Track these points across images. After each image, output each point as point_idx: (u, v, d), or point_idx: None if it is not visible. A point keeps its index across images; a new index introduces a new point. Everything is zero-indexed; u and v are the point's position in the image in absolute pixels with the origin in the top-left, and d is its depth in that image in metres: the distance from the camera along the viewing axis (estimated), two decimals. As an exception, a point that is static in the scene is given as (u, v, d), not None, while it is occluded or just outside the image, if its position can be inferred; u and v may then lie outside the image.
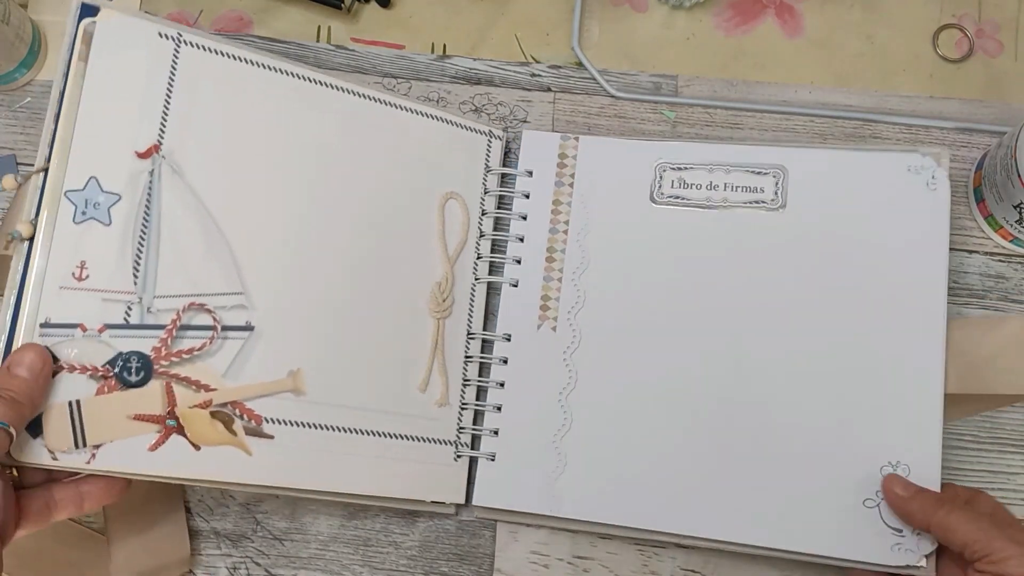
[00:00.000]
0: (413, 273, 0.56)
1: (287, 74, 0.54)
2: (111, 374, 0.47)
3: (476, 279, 0.58)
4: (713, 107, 0.61)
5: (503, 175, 0.60)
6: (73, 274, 0.47)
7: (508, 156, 0.61)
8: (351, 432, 0.53)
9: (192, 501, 0.56)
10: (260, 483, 0.50)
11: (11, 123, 0.60)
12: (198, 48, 0.51)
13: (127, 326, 0.48)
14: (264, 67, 0.53)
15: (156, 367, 0.48)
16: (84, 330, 0.47)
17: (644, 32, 0.61)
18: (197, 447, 0.49)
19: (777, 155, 0.56)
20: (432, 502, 0.55)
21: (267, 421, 0.51)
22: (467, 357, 0.57)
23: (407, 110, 0.58)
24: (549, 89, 0.60)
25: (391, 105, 0.57)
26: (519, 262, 0.58)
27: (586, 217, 0.58)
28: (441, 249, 0.57)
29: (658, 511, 0.52)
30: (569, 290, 0.57)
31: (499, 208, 0.60)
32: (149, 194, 0.49)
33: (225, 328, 0.50)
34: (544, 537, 0.56)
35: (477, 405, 0.57)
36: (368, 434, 0.53)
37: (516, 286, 0.58)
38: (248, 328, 0.51)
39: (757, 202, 0.55)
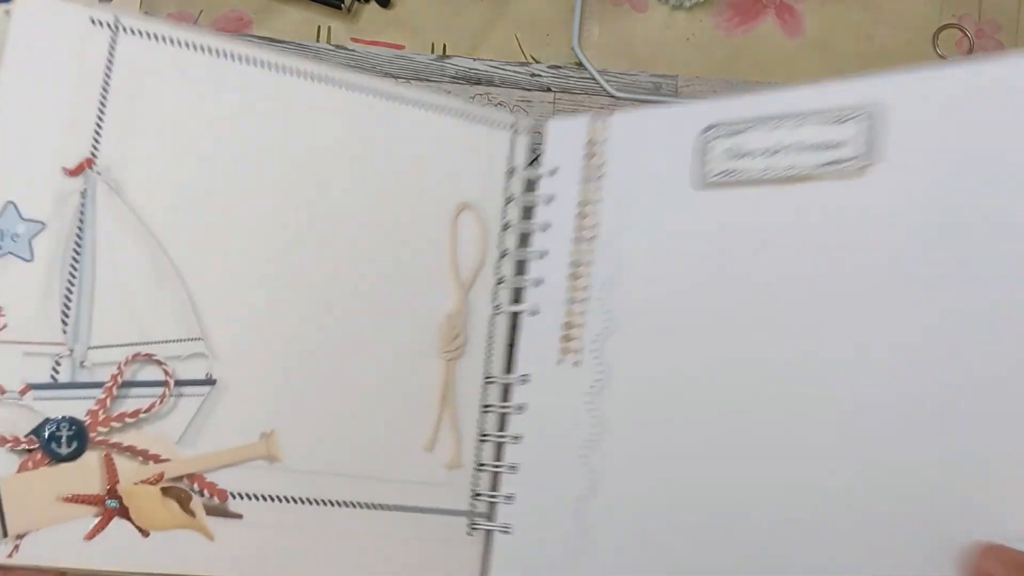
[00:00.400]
0: (417, 304, 0.46)
1: (260, 65, 0.44)
2: (36, 445, 0.39)
3: (496, 309, 0.48)
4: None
5: (528, 179, 0.50)
6: (-14, 324, 0.39)
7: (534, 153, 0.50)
8: (339, 506, 0.43)
9: None
10: (219, 573, 0.41)
11: None
12: (142, 36, 0.42)
13: (55, 385, 0.39)
14: (227, 56, 0.43)
15: (92, 435, 0.40)
16: (1, 392, 0.38)
17: (644, 32, 0.62)
18: (145, 533, 0.40)
19: (868, 89, 0.42)
20: (441, 587, 0.45)
21: (234, 497, 0.41)
22: (484, 407, 0.47)
23: (412, 103, 0.47)
24: (549, 89, 0.59)
25: (393, 98, 0.47)
26: (539, 283, 0.48)
27: (618, 217, 0.46)
28: (452, 274, 0.47)
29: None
30: (596, 313, 0.46)
31: (524, 219, 0.49)
32: (81, 220, 0.40)
33: (180, 383, 0.41)
34: None
35: (494, 466, 0.46)
36: (361, 507, 0.44)
37: (536, 314, 0.47)
38: (208, 382, 0.41)
39: (835, 162, 0.41)
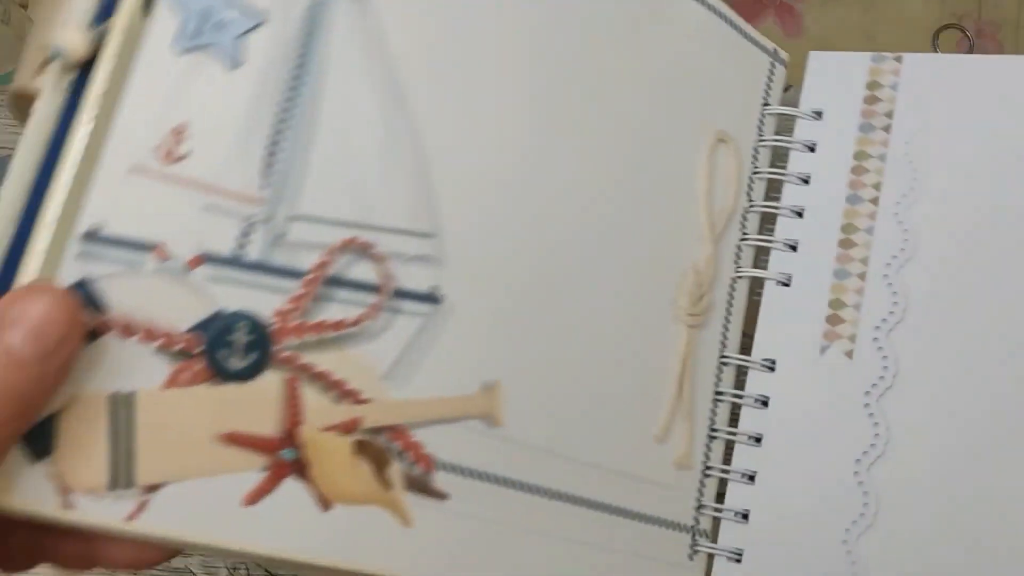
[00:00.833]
0: (658, 249, 0.35)
1: None
2: (199, 349, 0.25)
3: (737, 272, 0.38)
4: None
5: (780, 118, 0.40)
6: (158, 147, 0.25)
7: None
8: (558, 500, 0.32)
9: None
10: (411, 575, 0.28)
11: (10, 122, 0.56)
12: None
13: (240, 263, 0.26)
14: None
15: (276, 347, 0.26)
16: (163, 257, 0.24)
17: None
18: (326, 503, 0.27)
19: None
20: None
21: (440, 468, 0.29)
22: (717, 394, 0.37)
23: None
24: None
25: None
26: (794, 248, 0.38)
27: (912, 177, 0.38)
28: (705, 218, 0.37)
29: None
30: (879, 292, 0.37)
31: (773, 166, 0.39)
32: (312, 25, 0.27)
33: (398, 293, 0.28)
34: None
35: (723, 472, 0.36)
36: (582, 505, 0.32)
37: (788, 285, 0.38)
38: (433, 299, 0.29)
39: None
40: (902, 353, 0.36)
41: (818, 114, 0.40)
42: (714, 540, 0.36)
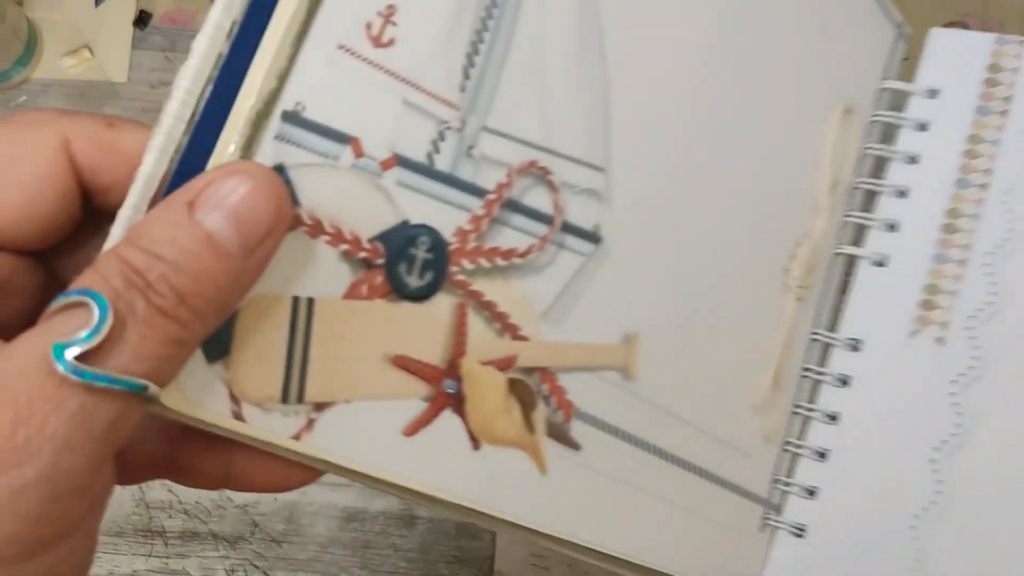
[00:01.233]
0: (779, 218, 0.35)
1: None
2: (380, 260, 0.23)
3: (838, 248, 0.37)
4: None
5: (894, 94, 0.40)
6: (368, 26, 0.22)
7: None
8: (667, 460, 0.31)
9: (188, 503, 0.52)
10: (541, 527, 0.27)
11: None
12: None
13: (429, 171, 0.23)
14: None
15: (453, 268, 0.24)
16: (358, 153, 0.22)
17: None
18: (476, 443, 0.25)
19: None
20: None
21: (577, 416, 0.27)
22: (804, 369, 0.36)
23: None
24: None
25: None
26: (893, 228, 0.38)
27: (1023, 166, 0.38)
28: (825, 188, 0.36)
29: None
30: (977, 281, 0.37)
31: (883, 143, 0.39)
32: (531, -80, 0.24)
33: (566, 228, 0.26)
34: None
35: (797, 447, 0.36)
36: (683, 467, 0.31)
37: (883, 265, 0.38)
38: (594, 238, 0.27)
39: None
40: (994, 345, 0.36)
41: (933, 93, 0.39)
42: (781, 514, 0.36)
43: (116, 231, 0.19)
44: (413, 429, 0.24)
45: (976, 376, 0.36)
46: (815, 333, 0.37)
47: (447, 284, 0.24)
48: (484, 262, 0.25)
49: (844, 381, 0.37)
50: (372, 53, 0.22)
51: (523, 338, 0.26)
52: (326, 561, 0.52)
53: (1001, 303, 0.36)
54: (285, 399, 0.21)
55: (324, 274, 0.22)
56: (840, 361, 0.37)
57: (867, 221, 0.38)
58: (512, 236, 0.25)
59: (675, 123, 0.29)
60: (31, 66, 0.59)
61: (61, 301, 0.17)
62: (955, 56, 0.39)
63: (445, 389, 0.24)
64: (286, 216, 0.19)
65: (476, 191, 0.24)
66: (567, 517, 0.28)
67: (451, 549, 0.53)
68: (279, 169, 0.21)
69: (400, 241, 0.23)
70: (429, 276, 0.24)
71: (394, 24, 0.22)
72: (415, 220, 0.23)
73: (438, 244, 0.24)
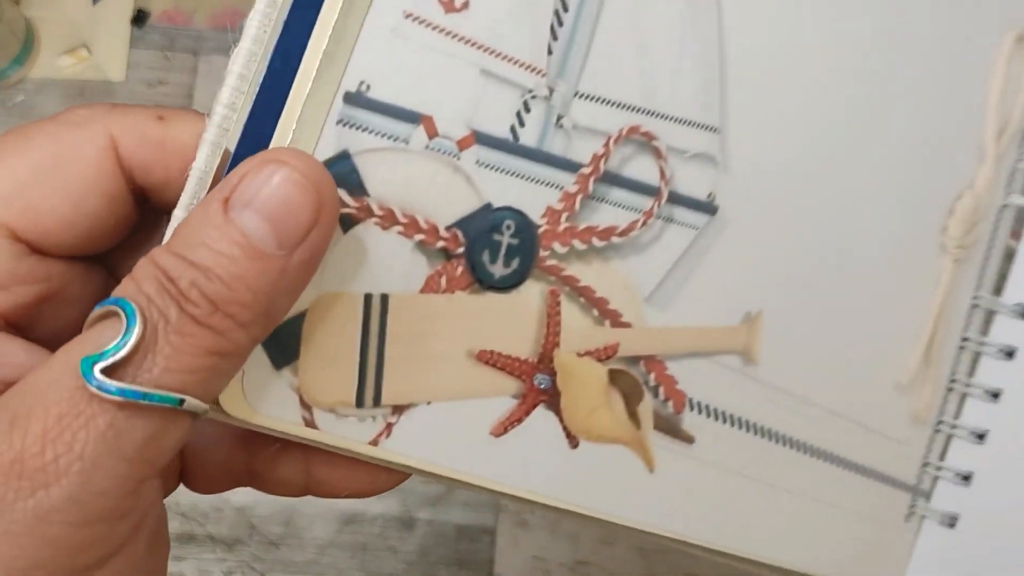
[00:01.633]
0: (935, 169, 0.30)
1: None
2: (460, 250, 0.21)
3: (1007, 200, 0.33)
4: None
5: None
6: (439, -9, 0.20)
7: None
8: (795, 449, 0.28)
9: (185, 505, 0.52)
10: (654, 529, 0.25)
11: (3, 121, 0.57)
12: None
13: (514, 147, 0.21)
14: None
15: (543, 253, 0.22)
16: (432, 133, 0.20)
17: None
18: (574, 441, 0.23)
19: None
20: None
21: (690, 407, 0.25)
22: (963, 339, 0.32)
23: None
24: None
25: None
26: (1064, 185, 0.33)
27: None
28: (991, 133, 0.31)
29: None
30: None
31: (1051, 83, 0.34)
32: None
33: (674, 199, 0.24)
34: (545, 542, 0.52)
35: (952, 427, 0.32)
36: (814, 456, 0.28)
37: (1055, 226, 0.33)
38: (709, 208, 0.24)
39: None
40: None
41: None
42: (930, 501, 0.32)
43: (169, 234, 0.18)
44: (503, 429, 0.22)
45: None
46: (976, 298, 0.33)
47: (537, 270, 0.22)
48: (578, 244, 0.22)
49: (1009, 353, 0.32)
50: (444, 19, 0.20)
51: (625, 325, 0.24)
52: (324, 564, 0.52)
53: None
54: (360, 403, 0.20)
55: (398, 268, 0.20)
56: (1005, 330, 0.33)
57: (1037, 170, 0.33)
58: (611, 213, 0.23)
59: (807, 64, 0.26)
60: (28, 65, 0.58)
61: (98, 310, 0.16)
62: None
63: (537, 385, 0.22)
64: (330, 207, 0.17)
65: (568, 165, 0.22)
66: (683, 516, 0.26)
67: (451, 552, 0.52)
68: (343, 156, 0.19)
69: (482, 227, 0.21)
70: (516, 263, 0.22)
71: (470, -15, 0.20)
72: (499, 203, 0.21)
73: (525, 227, 0.22)
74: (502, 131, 0.21)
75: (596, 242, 0.23)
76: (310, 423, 0.20)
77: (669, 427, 0.25)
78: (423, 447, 0.21)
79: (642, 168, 0.23)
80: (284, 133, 0.18)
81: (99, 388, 0.15)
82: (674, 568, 0.50)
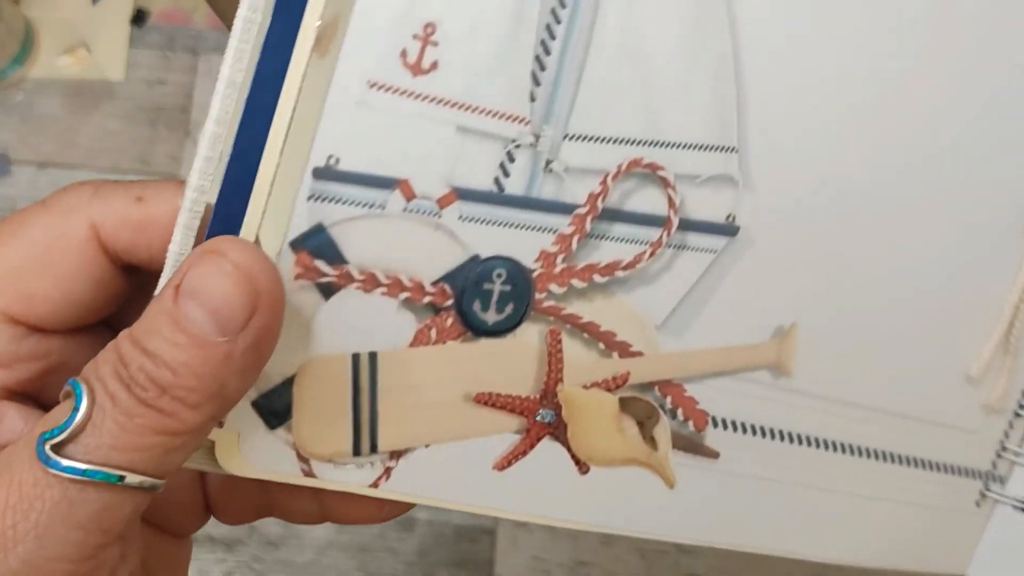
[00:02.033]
0: (1007, 147, 0.27)
1: None
2: (449, 302, 0.21)
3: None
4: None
5: None
6: (404, 53, 0.19)
7: None
8: (843, 452, 0.27)
9: None
10: (674, 537, 0.25)
11: (3, 121, 0.57)
12: None
13: (499, 198, 0.21)
14: None
15: (539, 296, 0.22)
16: (409, 195, 0.20)
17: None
18: (583, 467, 0.24)
19: None
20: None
21: (713, 424, 0.25)
22: (1053, 323, 0.30)
23: None
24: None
25: None
26: None
27: None
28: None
29: None
30: None
31: None
32: None
33: (686, 224, 0.23)
34: (545, 542, 0.53)
35: (1037, 412, 0.30)
36: (867, 456, 0.28)
37: None
38: (728, 230, 0.23)
39: None
40: None
41: None
42: (1005, 487, 0.31)
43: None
44: (506, 463, 0.23)
45: None
46: (1070, 278, 0.30)
47: (534, 313, 0.22)
48: (578, 282, 0.22)
49: (1106, 334, 0.29)
50: (412, 83, 0.20)
51: (636, 354, 0.23)
52: (324, 565, 0.52)
53: None
54: (357, 453, 0.21)
55: (385, 326, 0.21)
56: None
57: None
58: (613, 248, 0.22)
59: (838, 66, 0.24)
60: (28, 65, 0.58)
61: (65, 388, 0.18)
62: None
63: (540, 419, 0.23)
64: (268, 294, 0.18)
65: (562, 208, 0.22)
66: (708, 524, 0.26)
67: (450, 552, 0.52)
68: (318, 229, 0.20)
69: (470, 278, 0.21)
70: (510, 309, 0.22)
71: (435, 44, 0.19)
72: (487, 253, 0.21)
73: (518, 273, 0.22)
74: (485, 184, 0.21)
75: (598, 279, 0.22)
76: (308, 473, 0.21)
77: (690, 445, 0.25)
78: (425, 486, 0.22)
79: (648, 199, 0.22)
80: (255, 215, 0.19)
81: (46, 463, 0.17)
82: (674, 568, 0.50)
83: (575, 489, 0.24)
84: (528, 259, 0.22)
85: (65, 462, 0.17)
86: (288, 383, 0.20)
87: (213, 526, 0.45)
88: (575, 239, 0.22)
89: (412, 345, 0.21)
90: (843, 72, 0.23)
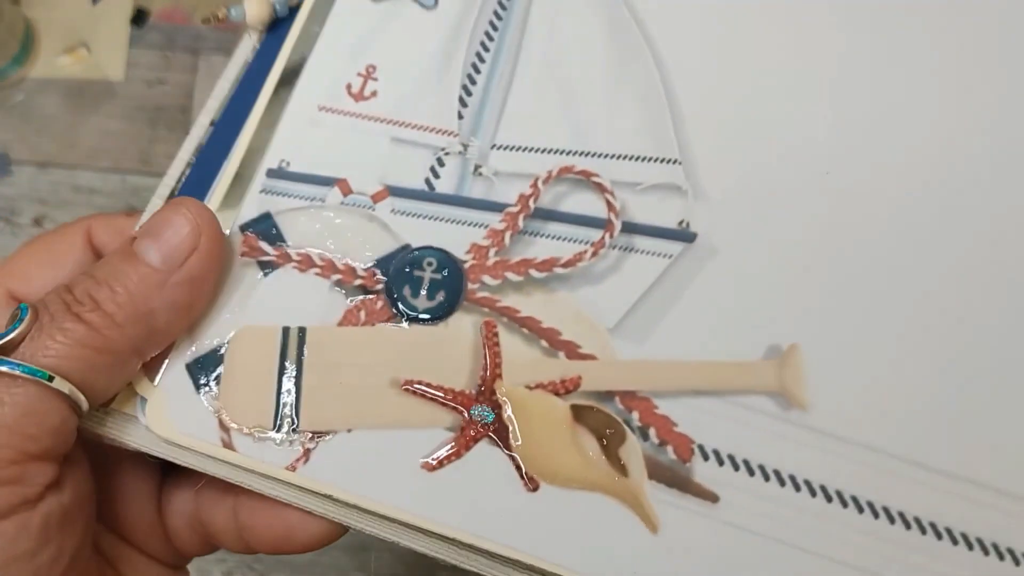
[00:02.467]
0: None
1: None
2: (379, 287, 0.22)
3: None
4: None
5: None
6: (349, 86, 0.24)
7: None
8: (895, 522, 0.20)
9: None
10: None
11: (3, 121, 0.56)
12: None
13: (430, 195, 0.23)
14: None
15: (472, 286, 0.22)
16: (346, 191, 0.23)
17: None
18: (533, 484, 0.21)
19: None
20: None
21: (705, 456, 0.21)
22: None
23: None
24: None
25: None
26: None
27: None
28: None
29: None
30: None
31: None
32: (513, -40, 0.25)
33: (633, 228, 0.23)
34: None
35: None
36: (928, 531, 0.20)
37: None
38: (684, 236, 0.23)
39: None
40: None
41: None
42: None
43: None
44: (437, 464, 0.21)
45: None
46: None
47: (467, 303, 0.22)
48: (513, 276, 0.22)
49: None
50: (354, 106, 0.24)
51: (587, 357, 0.22)
52: (324, 564, 0.49)
53: None
54: (277, 427, 0.21)
55: (317, 304, 0.22)
56: None
57: None
58: (549, 245, 0.23)
59: (775, 81, 0.24)
60: (28, 65, 0.57)
61: (13, 311, 0.21)
62: None
63: (478, 418, 0.21)
64: (208, 238, 0.21)
65: (493, 206, 0.23)
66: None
67: None
68: (266, 216, 0.23)
69: (399, 265, 0.22)
70: (441, 296, 0.22)
71: (375, 80, 0.24)
72: (418, 243, 0.23)
73: (449, 263, 0.22)
74: (416, 183, 0.23)
75: (535, 274, 0.22)
76: (228, 444, 0.21)
77: (676, 480, 0.21)
78: (344, 475, 0.21)
79: (584, 202, 0.23)
80: (214, 204, 0.23)
81: None
82: None
83: (522, 508, 0.20)
84: (462, 250, 0.23)
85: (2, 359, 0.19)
86: (224, 348, 0.22)
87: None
88: (507, 234, 0.23)
89: (341, 324, 0.22)
90: (788, 83, 0.24)
